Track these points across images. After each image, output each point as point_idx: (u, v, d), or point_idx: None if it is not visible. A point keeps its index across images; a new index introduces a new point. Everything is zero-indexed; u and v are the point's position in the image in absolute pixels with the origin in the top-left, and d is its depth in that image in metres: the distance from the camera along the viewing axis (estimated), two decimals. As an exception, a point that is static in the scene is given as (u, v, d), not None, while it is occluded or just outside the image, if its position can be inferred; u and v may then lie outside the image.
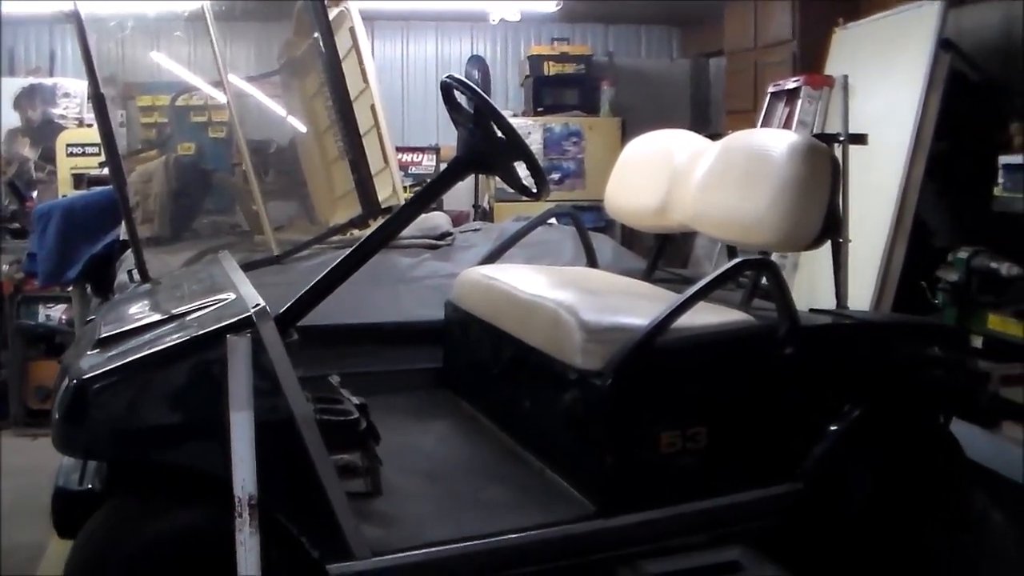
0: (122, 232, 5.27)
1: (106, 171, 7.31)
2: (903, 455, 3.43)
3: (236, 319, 2.69)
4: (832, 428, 3.30)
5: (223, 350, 2.60)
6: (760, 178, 3.40)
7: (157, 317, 3.02)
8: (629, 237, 7.01)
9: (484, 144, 3.01)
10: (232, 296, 2.98)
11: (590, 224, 5.13)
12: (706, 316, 3.25)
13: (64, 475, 3.14)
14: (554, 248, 4.97)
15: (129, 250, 5.10)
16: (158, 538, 2.66)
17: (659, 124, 4.38)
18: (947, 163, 5.20)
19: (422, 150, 8.30)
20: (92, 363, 2.74)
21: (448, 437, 3.69)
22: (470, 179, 8.07)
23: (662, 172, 3.97)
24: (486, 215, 7.90)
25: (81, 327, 5.83)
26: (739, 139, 3.71)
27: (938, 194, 5.21)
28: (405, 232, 4.96)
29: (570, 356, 3.08)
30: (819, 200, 3.30)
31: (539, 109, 8.57)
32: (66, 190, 7.71)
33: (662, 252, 4.30)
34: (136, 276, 4.37)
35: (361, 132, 4.72)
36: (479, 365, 3.82)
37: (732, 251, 4.26)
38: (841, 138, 4.85)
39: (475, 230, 5.60)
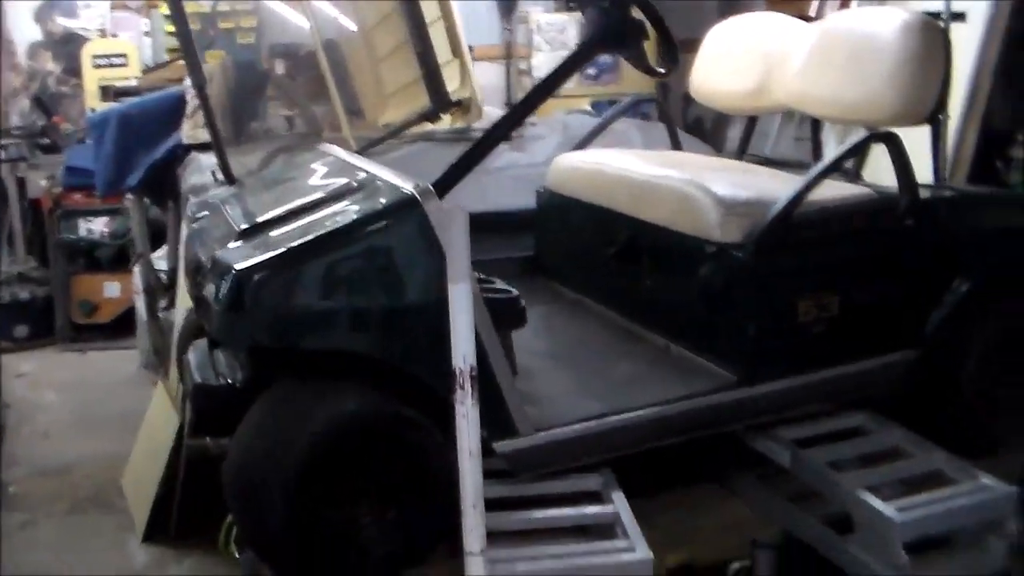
0: (184, 137, 5.22)
1: (132, 82, 7.31)
2: (1015, 323, 3.49)
3: (400, 198, 2.69)
4: (949, 297, 3.36)
5: (386, 230, 2.63)
6: (872, 56, 3.43)
7: (293, 207, 2.99)
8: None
9: (618, 23, 2.97)
10: (370, 179, 2.97)
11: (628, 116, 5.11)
12: (831, 190, 3.28)
13: (199, 371, 3.14)
14: (621, 137, 4.96)
15: (191, 155, 5.09)
16: (329, 427, 2.66)
17: (691, 13, 4.32)
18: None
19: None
20: (246, 253, 2.73)
21: (558, 320, 3.71)
22: (501, 77, 8.02)
23: (756, 54, 3.97)
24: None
25: (143, 236, 5.83)
26: (843, 19, 3.74)
27: (1013, 75, 5.20)
28: (477, 125, 5.01)
29: (706, 231, 3.10)
30: (934, 76, 3.35)
31: (571, 4, 8.46)
32: (93, 103, 7.61)
33: (751, 132, 4.31)
34: (220, 177, 4.37)
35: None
36: (583, 249, 3.83)
37: (816, 128, 4.31)
38: (943, 16, 4.84)
39: (532, 124, 5.57)
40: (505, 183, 4.46)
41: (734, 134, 7.44)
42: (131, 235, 6.91)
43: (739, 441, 3.28)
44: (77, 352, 7.00)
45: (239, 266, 2.65)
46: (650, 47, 3.01)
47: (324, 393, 2.70)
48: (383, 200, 2.73)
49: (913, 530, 2.81)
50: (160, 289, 5.86)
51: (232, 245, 2.84)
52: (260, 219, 2.94)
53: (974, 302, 3.38)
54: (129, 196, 6.10)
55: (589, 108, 7.29)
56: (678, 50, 3.10)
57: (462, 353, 2.20)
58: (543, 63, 7.85)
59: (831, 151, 4.58)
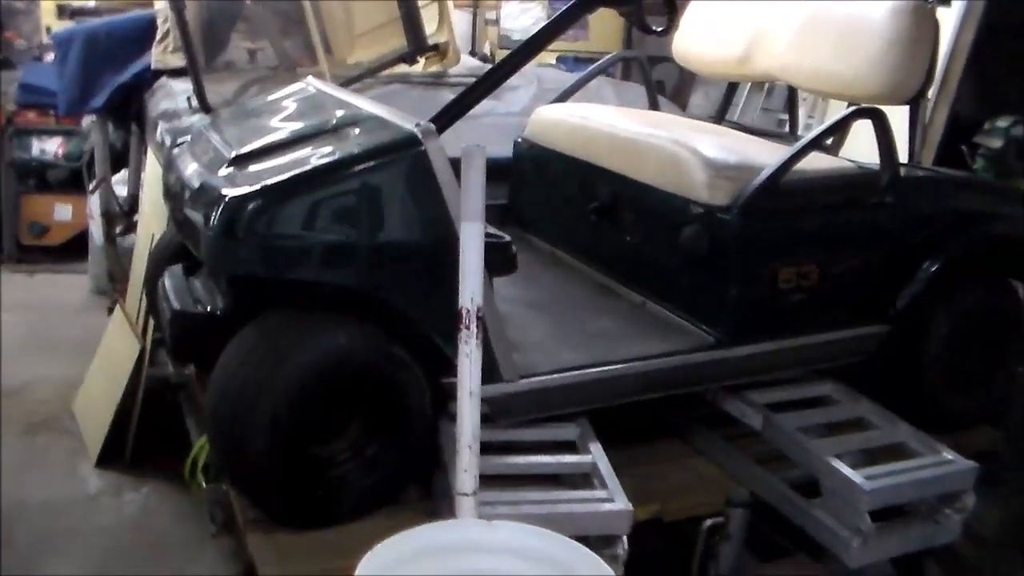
0: (154, 61, 5.13)
1: (90, 3, 7.16)
2: (979, 303, 3.57)
3: (401, 136, 2.67)
4: (919, 275, 3.42)
5: (387, 167, 2.62)
6: (862, 34, 3.48)
7: (285, 137, 2.97)
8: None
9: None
10: (368, 115, 2.95)
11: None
12: (814, 162, 3.32)
13: (177, 297, 3.12)
14: (595, 94, 4.97)
15: (160, 80, 5.02)
16: (320, 360, 2.65)
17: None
18: (996, 32, 5.27)
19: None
20: (239, 181, 2.69)
21: (533, 271, 3.71)
22: (467, 25, 7.96)
23: (743, 23, 3.99)
24: (486, 61, 7.80)
25: (104, 160, 5.74)
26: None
27: (983, 62, 5.29)
28: (454, 71, 4.99)
29: (693, 192, 3.13)
30: (922, 57, 3.42)
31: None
32: (50, 21, 7.47)
33: (731, 99, 4.35)
34: (195, 104, 4.32)
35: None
36: (561, 201, 3.84)
37: (793, 99, 4.36)
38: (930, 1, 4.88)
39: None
40: (481, 131, 4.40)
41: (696, 100, 7.54)
42: (84, 158, 6.81)
43: (705, 401, 3.33)
44: (25, 274, 6.90)
45: (233, 193, 2.61)
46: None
47: (315, 326, 2.68)
48: (384, 136, 2.71)
49: (880, 498, 2.88)
50: (119, 214, 5.78)
51: (223, 172, 2.80)
52: (251, 147, 2.91)
53: (942, 282, 3.44)
54: (91, 118, 6.00)
55: (554, 63, 7.30)
56: (677, 10, 3.11)
57: (470, 293, 2.20)
58: (511, 14, 7.81)
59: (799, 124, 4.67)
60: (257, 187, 2.62)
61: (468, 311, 2.20)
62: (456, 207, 2.65)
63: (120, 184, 5.95)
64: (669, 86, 7.55)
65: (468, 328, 2.19)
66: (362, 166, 2.64)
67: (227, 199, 2.61)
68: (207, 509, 3.33)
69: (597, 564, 1.84)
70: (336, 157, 2.68)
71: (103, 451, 4.29)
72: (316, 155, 2.74)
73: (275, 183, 2.62)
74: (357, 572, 1.74)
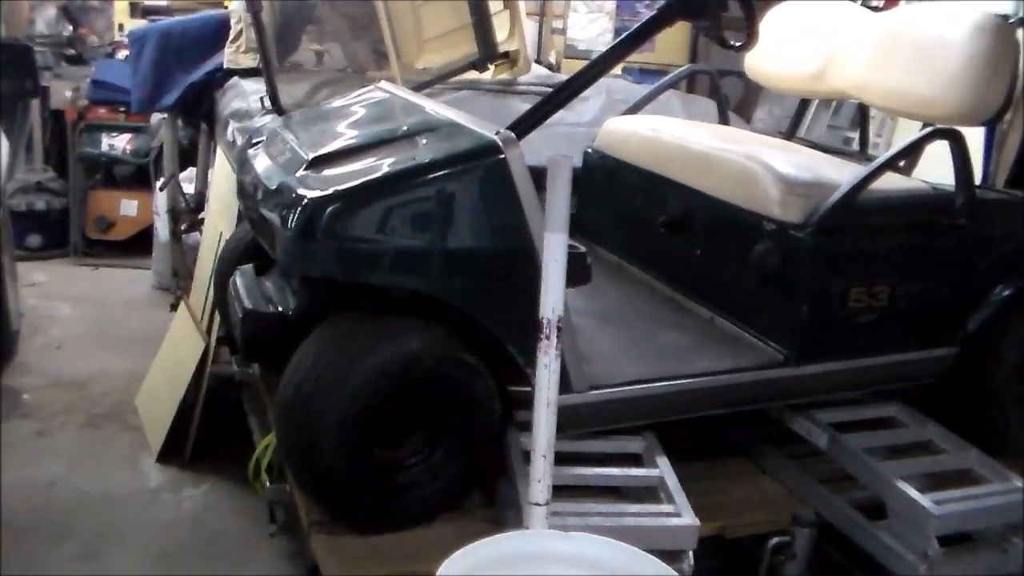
0: (226, 61, 5.19)
1: (163, 1, 7.25)
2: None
3: (481, 143, 2.68)
4: (992, 299, 3.39)
5: (466, 174, 2.63)
6: (941, 53, 3.42)
7: (363, 140, 2.99)
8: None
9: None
10: (446, 120, 2.96)
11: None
12: (888, 182, 3.29)
13: (249, 297, 3.15)
14: (664, 106, 4.95)
15: (232, 80, 5.06)
16: (393, 364, 2.65)
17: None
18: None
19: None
20: (318, 183, 2.71)
21: (601, 283, 3.68)
22: (534, 33, 7.95)
23: (818, 39, 3.97)
24: (552, 70, 7.81)
25: (174, 156, 5.81)
26: (914, 13, 3.72)
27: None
28: (523, 79, 5.00)
29: (766, 208, 3.11)
30: (1002, 77, 3.35)
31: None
32: (122, 19, 7.58)
33: (802, 116, 4.33)
34: (267, 104, 4.35)
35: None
36: (631, 213, 3.83)
37: (864, 118, 4.32)
38: (1012, 20, 4.83)
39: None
40: (550, 140, 4.42)
41: (759, 115, 7.49)
42: (152, 155, 6.89)
43: (770, 418, 3.31)
44: (89, 267, 7.00)
45: (312, 195, 2.63)
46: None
47: (387, 330, 2.69)
48: (463, 143, 2.72)
49: (949, 524, 2.85)
50: (185, 211, 5.85)
51: (301, 173, 2.82)
52: (328, 150, 2.93)
53: (1014, 306, 3.40)
54: (160, 115, 6.07)
55: (620, 73, 7.28)
56: (758, 24, 3.10)
57: (551, 304, 2.20)
58: (578, 24, 7.81)
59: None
60: (336, 190, 2.63)
61: (549, 321, 2.19)
62: (534, 216, 2.66)
63: (186, 182, 6.01)
64: (733, 100, 7.51)
65: (548, 338, 2.19)
66: (441, 172, 2.64)
67: (306, 201, 2.62)
68: (267, 509, 3.36)
69: (674, 580, 1.83)
70: (416, 163, 2.68)
71: (164, 446, 4.33)
72: (395, 160, 2.75)
73: (354, 187, 2.63)
74: (436, 578, 1.74)
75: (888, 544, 2.89)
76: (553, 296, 2.19)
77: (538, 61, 7.84)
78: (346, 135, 3.12)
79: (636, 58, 7.54)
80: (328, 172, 2.78)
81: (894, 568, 2.88)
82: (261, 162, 3.16)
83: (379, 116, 3.32)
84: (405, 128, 3.00)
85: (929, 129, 3.35)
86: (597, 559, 1.93)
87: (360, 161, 2.81)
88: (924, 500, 2.83)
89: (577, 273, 2.81)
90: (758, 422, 3.35)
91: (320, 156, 2.88)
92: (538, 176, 4.08)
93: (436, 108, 3.15)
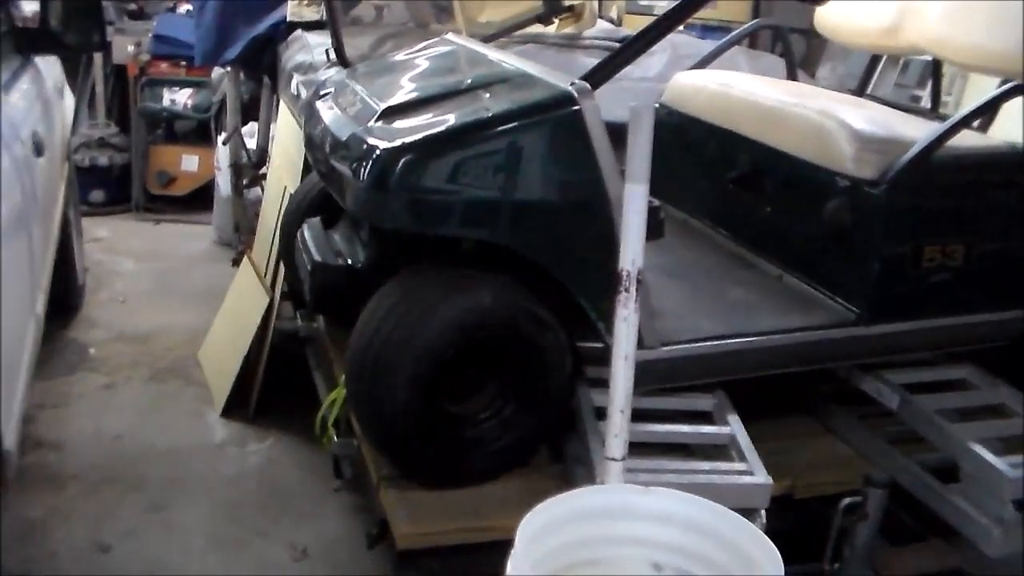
0: (289, 14, 5.17)
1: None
2: None
3: (556, 94, 2.65)
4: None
5: (540, 125, 2.60)
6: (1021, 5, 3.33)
7: (434, 92, 2.96)
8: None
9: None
10: (518, 72, 2.93)
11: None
12: (964, 139, 3.22)
13: (318, 249, 3.15)
14: (729, 62, 4.88)
15: (296, 33, 5.05)
16: (466, 317, 2.65)
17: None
18: None
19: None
20: (391, 133, 2.69)
21: (667, 239, 3.65)
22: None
23: (893, -8, 3.88)
24: (614, 25, 7.74)
25: (236, 111, 5.81)
26: (996, -37, 3.61)
27: None
28: (588, 33, 4.95)
29: (840, 164, 3.06)
30: None
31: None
32: (183, -27, 7.57)
33: (873, 71, 4.25)
34: (332, 57, 4.33)
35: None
36: (699, 169, 3.78)
37: (938, 74, 4.23)
38: None
39: (629, 37, 5.49)
40: (615, 94, 4.38)
41: (822, 72, 7.37)
42: (213, 109, 6.90)
43: (838, 378, 3.27)
44: (151, 222, 7.05)
45: (385, 146, 2.61)
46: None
47: (460, 283, 2.68)
48: (537, 94, 2.69)
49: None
50: (247, 166, 5.86)
51: (373, 124, 2.80)
52: (399, 101, 2.91)
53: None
54: (220, 70, 6.07)
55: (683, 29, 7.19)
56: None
57: (631, 255, 2.17)
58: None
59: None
60: (410, 140, 2.61)
61: (628, 273, 2.16)
62: (608, 168, 2.63)
63: (248, 136, 6.03)
64: (798, 57, 7.39)
65: (627, 291, 2.16)
66: (516, 123, 2.61)
67: (379, 152, 2.60)
68: (333, 464, 3.37)
69: (758, 537, 1.81)
70: (490, 113, 2.65)
71: (228, 401, 4.36)
72: (467, 111, 2.72)
73: (428, 137, 2.61)
74: (519, 531, 1.73)
75: (962, 508, 2.85)
76: (633, 248, 2.17)
77: (600, 16, 7.79)
78: (415, 86, 3.11)
79: (698, 14, 7.44)
80: (400, 123, 2.77)
81: (967, 532, 2.84)
82: (330, 114, 3.15)
83: (447, 68, 3.30)
84: (475, 79, 2.98)
85: (1009, 85, 3.27)
86: (681, 515, 1.91)
87: (432, 112, 2.78)
88: (1000, 463, 2.79)
89: (650, 227, 2.78)
90: (827, 381, 3.31)
91: (391, 107, 2.86)
92: (615, 131, 4.09)
93: (507, 59, 3.12)
